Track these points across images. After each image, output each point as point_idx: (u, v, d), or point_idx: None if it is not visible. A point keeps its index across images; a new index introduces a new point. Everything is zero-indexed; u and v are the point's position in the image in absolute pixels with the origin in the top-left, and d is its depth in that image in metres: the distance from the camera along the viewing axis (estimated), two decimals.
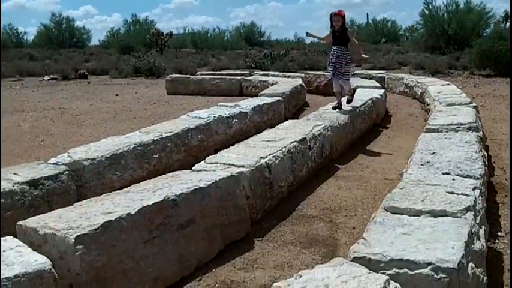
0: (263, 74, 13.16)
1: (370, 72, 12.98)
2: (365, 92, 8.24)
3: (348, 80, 6.38)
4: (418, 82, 9.97)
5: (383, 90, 8.57)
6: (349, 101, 6.44)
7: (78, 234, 2.44)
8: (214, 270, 3.01)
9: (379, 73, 12.46)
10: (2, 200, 3.24)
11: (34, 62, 24.12)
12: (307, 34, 6.76)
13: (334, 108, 6.31)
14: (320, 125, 5.29)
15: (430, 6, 23.56)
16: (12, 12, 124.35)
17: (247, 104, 6.96)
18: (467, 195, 2.93)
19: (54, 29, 42.73)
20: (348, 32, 6.18)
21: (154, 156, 4.60)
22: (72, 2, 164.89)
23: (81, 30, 44.34)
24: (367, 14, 63.21)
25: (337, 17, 6.07)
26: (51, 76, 17.73)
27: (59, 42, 40.41)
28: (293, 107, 8.72)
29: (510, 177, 3.56)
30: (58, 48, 36.69)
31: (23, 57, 27.11)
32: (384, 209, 2.79)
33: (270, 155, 4.06)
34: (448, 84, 9.06)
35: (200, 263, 3.03)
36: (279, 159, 4.10)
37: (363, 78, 11.39)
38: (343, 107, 6.35)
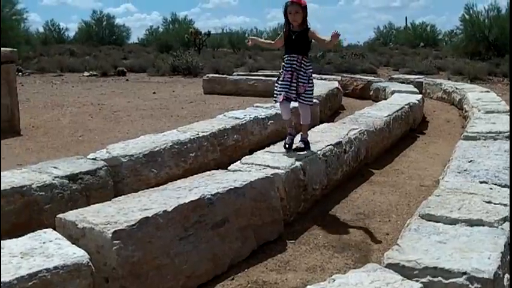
0: None
1: (407, 76, 12.82)
2: (402, 96, 8.15)
3: (310, 105, 4.26)
4: (456, 88, 9.79)
5: (420, 96, 8.45)
6: (300, 149, 4.22)
7: (116, 229, 2.49)
8: (246, 270, 3.02)
9: (417, 78, 12.29)
10: (42, 193, 3.33)
11: (74, 57, 24.66)
12: (249, 40, 4.61)
13: (286, 146, 4.27)
14: (356, 128, 5.26)
15: (471, 11, 23.07)
16: (55, 8, 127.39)
17: None
18: (504, 205, 2.88)
19: (95, 26, 43.54)
20: (310, 33, 4.11)
21: (191, 154, 4.65)
22: (113, 0, 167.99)
23: (120, 27, 45.03)
24: (406, 17, 62.34)
25: (295, 7, 4.02)
26: (91, 72, 18.11)
27: (99, 39, 41.15)
28: (329, 109, 8.68)
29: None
30: (98, 45, 37.37)
31: (63, 52, 27.73)
32: (419, 216, 2.76)
33: (305, 157, 4.07)
34: (487, 91, 8.88)
35: (233, 263, 3.05)
36: (314, 162, 4.09)
37: (400, 82, 11.25)
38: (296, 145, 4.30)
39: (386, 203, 4.20)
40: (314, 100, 4.55)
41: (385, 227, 3.68)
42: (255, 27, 44.03)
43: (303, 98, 4.14)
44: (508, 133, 4.82)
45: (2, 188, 3.16)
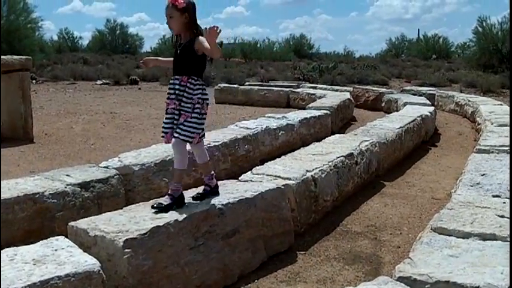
0: (311, 87, 13.16)
1: (420, 88, 12.77)
2: (414, 108, 8.13)
3: (187, 140, 3.04)
4: (469, 101, 9.74)
5: (433, 108, 8.42)
6: (202, 196, 3.19)
7: (127, 237, 2.51)
8: (256, 281, 3.02)
9: (429, 90, 12.24)
10: (54, 200, 3.36)
11: (88, 66, 24.88)
12: (143, 61, 3.45)
13: (158, 208, 2.93)
14: (368, 140, 5.25)
15: (484, 24, 22.98)
16: (69, 16, 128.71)
17: (294, 116, 6.98)
18: None
19: (108, 35, 43.95)
20: (197, 43, 3.01)
21: None
22: (126, 9, 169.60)
23: (134, 36, 45.43)
24: (418, 29, 62.41)
25: (168, 10, 3.03)
26: (104, 81, 18.26)
27: (112, 48, 41.51)
28: (340, 121, 8.68)
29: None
30: (111, 53, 37.69)
31: (77, 61, 27.98)
32: (431, 229, 2.74)
33: (316, 168, 4.06)
34: (501, 104, 8.83)
35: (243, 273, 3.04)
36: (325, 173, 4.08)
37: (412, 94, 11.22)
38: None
39: (397, 215, 4.18)
40: (193, 135, 3.02)
41: (396, 239, 3.66)
42: (267, 38, 44.21)
43: (179, 130, 3.01)
44: None
45: (15, 195, 3.19)
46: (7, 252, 2.41)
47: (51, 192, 3.36)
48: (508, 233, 2.64)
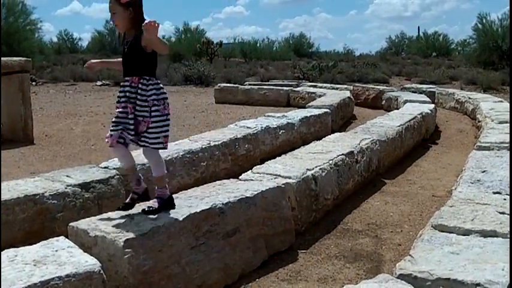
0: (311, 86, 13.16)
1: (420, 86, 12.77)
2: (414, 106, 8.13)
3: (159, 148, 2.88)
4: (469, 98, 9.75)
5: (433, 105, 8.42)
6: (150, 211, 2.85)
7: (128, 238, 2.51)
8: (257, 280, 3.02)
9: (429, 87, 12.24)
10: (54, 201, 3.36)
11: None
12: (87, 67, 3.23)
13: (121, 207, 2.92)
14: (368, 138, 5.25)
15: (484, 21, 22.97)
16: (69, 18, 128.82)
17: (294, 115, 6.98)
18: None
19: (108, 36, 43.92)
20: (143, 40, 2.74)
21: (202, 164, 4.67)
22: None
23: None
24: (418, 27, 62.39)
25: (111, 4, 2.81)
26: (103, 82, 18.25)
27: (111, 49, 41.43)
28: (340, 119, 8.68)
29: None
30: (111, 54, 37.63)
31: (77, 62, 27.95)
32: (432, 226, 2.74)
33: (316, 167, 4.06)
34: (501, 101, 8.82)
35: (244, 272, 3.04)
36: (326, 171, 4.09)
37: (412, 92, 11.22)
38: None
39: (398, 213, 4.18)
40: (162, 139, 2.83)
41: (397, 237, 3.66)
42: (266, 37, 44.26)
43: (146, 138, 2.79)
44: None
45: (15, 196, 3.19)
46: (8, 253, 2.41)
47: (51, 193, 3.37)
48: (509, 229, 2.64)
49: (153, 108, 2.78)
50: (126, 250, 2.47)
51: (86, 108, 11.11)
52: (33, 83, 16.25)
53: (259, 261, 3.18)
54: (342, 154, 4.53)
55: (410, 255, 2.39)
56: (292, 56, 37.34)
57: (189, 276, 2.72)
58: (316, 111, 7.43)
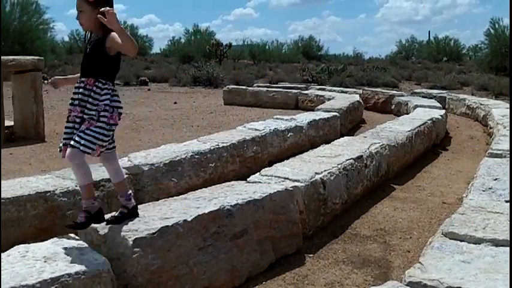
0: (320, 89, 13.15)
1: (430, 91, 12.71)
2: (425, 111, 8.10)
3: (86, 152, 2.58)
4: (480, 104, 9.68)
5: (443, 111, 8.38)
6: (117, 219, 2.72)
7: (137, 237, 2.52)
8: (264, 283, 3.01)
9: (440, 93, 12.19)
10: (65, 199, 3.37)
11: None
12: (51, 83, 3.09)
13: (73, 226, 2.68)
14: (377, 143, 5.23)
15: (497, 26, 22.85)
16: None
17: (303, 118, 6.98)
18: None
19: None
20: (109, 40, 2.58)
21: (210, 165, 4.67)
22: (136, 11, 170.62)
23: (143, 38, 45.69)
24: (429, 31, 62.17)
25: (79, 3, 2.63)
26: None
27: None
28: (349, 123, 8.66)
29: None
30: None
31: None
32: (442, 234, 2.73)
33: (325, 171, 4.05)
34: None
35: (251, 275, 3.04)
36: (334, 175, 4.08)
37: (423, 97, 11.18)
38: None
39: (407, 219, 4.16)
40: (94, 146, 2.57)
41: (406, 244, 3.64)
42: (276, 40, 44.19)
43: (77, 138, 2.55)
44: None
45: (27, 193, 3.22)
46: (19, 249, 2.43)
47: (62, 190, 3.39)
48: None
49: (101, 113, 2.59)
50: (135, 249, 2.48)
51: None
52: (45, 81, 16.33)
53: (266, 264, 3.17)
54: (351, 158, 4.52)
55: (420, 262, 2.37)
56: (301, 59, 37.36)
57: (197, 277, 2.72)
58: (325, 115, 7.42)
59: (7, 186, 3.34)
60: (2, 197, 3.14)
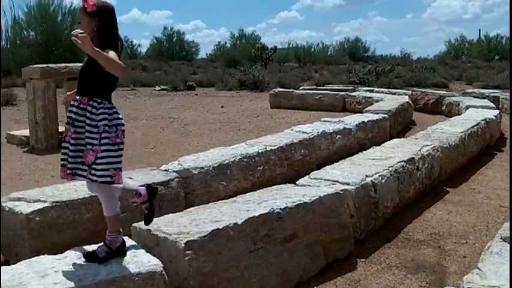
0: (367, 90, 12.95)
1: (482, 91, 12.32)
2: (477, 111, 7.85)
3: (107, 182, 2.45)
4: None
5: (497, 111, 8.10)
6: (97, 258, 2.46)
7: (188, 239, 2.53)
8: (315, 287, 2.98)
9: (493, 92, 11.78)
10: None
11: (146, 72, 25.50)
12: (66, 100, 2.86)
13: (92, 258, 2.48)
14: (429, 145, 5.10)
15: None
16: (128, 25, 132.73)
17: (351, 120, 6.88)
18: None
19: (166, 42, 45.02)
20: (107, 53, 2.36)
21: (258, 168, 4.67)
22: (182, 17, 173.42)
23: (190, 43, 46.37)
24: (479, 30, 60.27)
25: (79, 14, 2.53)
26: (162, 87, 18.65)
27: (169, 55, 42.46)
28: (399, 125, 8.49)
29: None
30: (168, 60, 38.54)
31: (136, 67, 28.75)
32: (501, 238, 2.62)
33: (375, 173, 3.98)
34: None
35: (302, 279, 3.01)
36: (385, 178, 3.99)
37: (474, 97, 10.84)
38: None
39: (462, 223, 4.03)
40: (111, 172, 2.42)
41: (461, 248, 3.53)
42: (321, 42, 44.10)
43: (94, 171, 2.42)
44: None
45: (81, 196, 3.30)
46: (76, 250, 2.50)
47: None
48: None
49: (103, 135, 2.42)
50: (187, 252, 2.49)
51: (145, 112, 11.36)
52: None
53: (317, 268, 3.14)
54: (402, 161, 4.42)
55: (478, 268, 2.29)
56: (347, 60, 37.05)
57: (248, 280, 2.71)
58: (374, 116, 7.29)
59: (62, 190, 3.43)
60: (57, 200, 3.22)
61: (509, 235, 2.52)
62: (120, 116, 2.54)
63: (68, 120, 2.50)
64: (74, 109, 2.48)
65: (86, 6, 2.46)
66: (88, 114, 2.44)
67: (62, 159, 2.50)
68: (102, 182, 2.41)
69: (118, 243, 2.53)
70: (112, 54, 2.38)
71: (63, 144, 2.50)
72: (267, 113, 11.24)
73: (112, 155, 2.42)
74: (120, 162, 2.46)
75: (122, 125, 2.52)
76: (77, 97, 2.50)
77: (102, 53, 2.31)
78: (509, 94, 9.99)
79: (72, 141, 2.45)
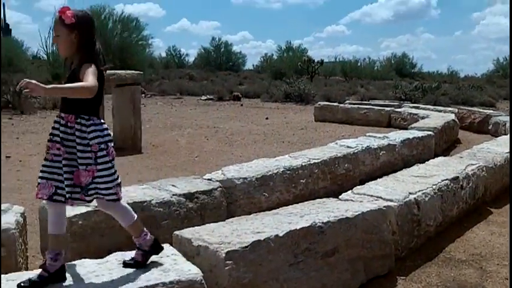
0: (413, 107, 12.74)
1: None
2: None
3: (113, 199, 2.39)
4: None
5: None
6: (136, 264, 2.45)
7: (229, 249, 2.53)
8: None
9: None
10: (160, 209, 3.48)
11: (193, 82, 25.92)
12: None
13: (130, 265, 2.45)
14: (474, 164, 4.97)
15: None
16: (177, 35, 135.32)
17: (396, 136, 6.79)
18: None
19: (213, 52, 45.62)
20: (82, 72, 2.26)
21: (301, 181, 4.65)
22: (230, 28, 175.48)
23: (237, 54, 46.84)
24: None
25: (56, 26, 2.34)
26: (208, 96, 18.90)
27: (216, 65, 43.02)
28: (444, 142, 8.31)
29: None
30: (215, 70, 39.05)
31: (183, 76, 29.28)
32: None
33: (419, 191, 3.90)
34: None
35: None
36: (429, 196, 3.91)
37: None
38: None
39: (505, 245, 3.89)
40: (115, 190, 2.36)
41: (504, 270, 3.41)
42: (368, 57, 43.69)
43: (97, 190, 2.34)
44: None
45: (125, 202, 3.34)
46: (116, 256, 2.54)
47: (158, 201, 3.49)
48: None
49: (99, 154, 2.30)
50: (227, 262, 2.50)
51: (190, 121, 11.53)
52: (143, 95, 17.16)
53: (357, 284, 3.09)
54: (446, 179, 4.32)
55: None
56: (394, 76, 36.58)
57: None
58: (419, 133, 7.17)
59: None
60: None
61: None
62: (109, 132, 2.41)
63: (51, 137, 2.33)
64: (62, 128, 2.31)
65: (63, 17, 2.29)
66: (78, 133, 2.29)
67: (40, 177, 2.32)
68: (109, 200, 2.36)
69: (149, 242, 2.50)
70: (91, 71, 2.25)
71: (44, 163, 2.33)
72: (311, 126, 11.22)
73: (111, 173, 2.34)
74: (118, 178, 2.39)
75: (112, 140, 2.40)
76: (62, 114, 2.32)
77: (62, 88, 2.20)
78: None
79: (64, 162, 2.29)
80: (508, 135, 7.77)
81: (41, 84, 2.08)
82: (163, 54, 44.89)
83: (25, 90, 2.09)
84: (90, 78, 2.21)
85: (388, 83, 27.41)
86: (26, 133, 9.21)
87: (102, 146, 2.31)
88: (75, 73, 2.29)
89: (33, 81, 2.08)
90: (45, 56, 23.14)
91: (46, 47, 21.58)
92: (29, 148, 7.55)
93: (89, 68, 2.25)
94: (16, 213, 2.98)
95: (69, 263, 2.46)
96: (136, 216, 2.51)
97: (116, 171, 2.38)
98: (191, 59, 47.45)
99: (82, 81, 2.21)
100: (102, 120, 2.37)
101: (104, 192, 2.33)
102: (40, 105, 12.84)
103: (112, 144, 2.38)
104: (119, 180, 2.40)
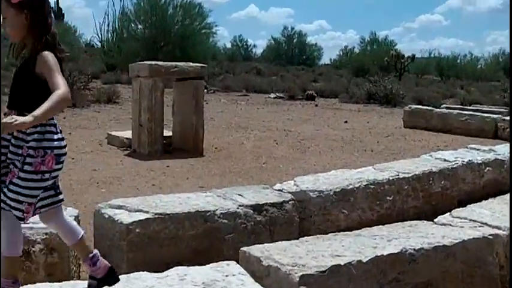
0: None
1: None
2: None
3: (16, 215, 2.21)
4: None
5: None
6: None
7: (304, 273, 2.54)
8: None
9: None
10: (225, 221, 3.53)
11: (261, 77, 26.13)
12: None
13: None
14: None
15: None
16: (244, 23, 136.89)
17: (504, 149, 6.54)
18: None
19: (284, 44, 45.87)
20: (39, 63, 2.19)
21: (388, 198, 4.58)
22: (305, 16, 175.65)
23: (312, 46, 46.86)
24: None
25: (2, 6, 2.22)
26: (277, 94, 19.02)
27: (287, 58, 43.23)
28: None
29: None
30: (286, 64, 39.24)
31: (250, 71, 29.57)
32: None
33: None
34: None
35: None
36: None
37: None
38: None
39: None
40: (21, 206, 2.19)
41: None
42: (469, 52, 42.46)
43: (3, 195, 2.20)
44: None
45: (186, 210, 3.43)
46: (178, 271, 2.61)
47: (222, 211, 3.54)
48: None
49: (26, 160, 2.20)
50: (302, 287, 2.50)
51: (257, 122, 11.64)
52: (205, 90, 17.49)
53: None
54: None
55: None
56: (502, 77, 35.30)
57: None
58: None
59: (165, 201, 3.59)
60: (161, 212, 3.36)
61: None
62: (57, 137, 2.27)
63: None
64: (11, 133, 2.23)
65: None
66: (14, 133, 2.21)
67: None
68: (12, 211, 2.20)
69: (102, 271, 2.40)
70: (53, 66, 2.18)
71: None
72: (399, 133, 11.05)
73: (29, 186, 2.19)
74: (36, 196, 2.24)
75: (57, 148, 2.25)
76: (6, 110, 2.26)
77: (46, 112, 2.07)
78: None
79: (2, 157, 2.25)
80: None
81: (21, 119, 2.00)
82: (228, 45, 45.68)
83: (7, 131, 2.08)
84: (59, 81, 2.15)
85: (494, 85, 26.58)
86: (78, 128, 9.62)
87: (32, 152, 2.19)
88: (29, 65, 2.22)
89: (14, 122, 1.99)
90: (99, 44, 24.15)
91: (100, 34, 22.45)
92: (82, 145, 7.87)
93: (49, 61, 2.19)
94: (70, 216, 3.12)
95: (126, 275, 2.55)
96: (82, 233, 2.43)
97: (41, 188, 2.24)
98: (259, 51, 47.97)
99: (42, 73, 2.17)
100: (52, 122, 2.26)
101: (9, 202, 2.18)
102: (94, 98, 13.38)
103: (56, 152, 2.24)
104: (35, 200, 2.24)
